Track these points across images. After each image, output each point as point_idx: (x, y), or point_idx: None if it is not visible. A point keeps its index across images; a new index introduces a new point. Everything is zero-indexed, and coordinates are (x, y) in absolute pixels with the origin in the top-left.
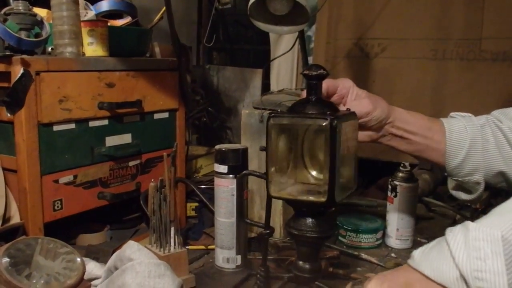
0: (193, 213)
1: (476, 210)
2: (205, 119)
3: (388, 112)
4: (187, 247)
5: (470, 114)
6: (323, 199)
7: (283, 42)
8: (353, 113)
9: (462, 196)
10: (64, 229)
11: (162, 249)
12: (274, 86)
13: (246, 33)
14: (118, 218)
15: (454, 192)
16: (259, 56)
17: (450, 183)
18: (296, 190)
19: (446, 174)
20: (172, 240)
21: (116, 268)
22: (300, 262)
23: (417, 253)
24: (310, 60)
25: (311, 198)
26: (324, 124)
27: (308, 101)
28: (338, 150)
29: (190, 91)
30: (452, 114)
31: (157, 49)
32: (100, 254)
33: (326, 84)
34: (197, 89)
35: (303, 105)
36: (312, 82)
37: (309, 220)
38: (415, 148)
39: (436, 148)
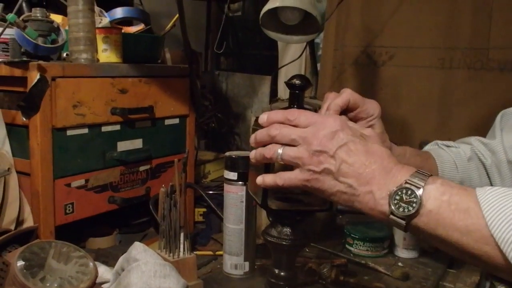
0: (200, 219)
1: None
2: (214, 124)
3: None
4: (195, 252)
5: (456, 145)
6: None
7: (291, 49)
8: None
9: None
10: (74, 232)
11: (171, 254)
12: (281, 93)
13: (254, 38)
14: (127, 222)
15: None
16: (267, 62)
17: None
18: None
19: None
20: (181, 246)
21: (123, 270)
22: (276, 270)
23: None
24: (318, 67)
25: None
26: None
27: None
28: None
29: (200, 97)
30: (438, 143)
31: (168, 55)
32: (109, 258)
33: (349, 97)
34: (206, 95)
35: None
36: (295, 92)
37: (286, 228)
38: None
39: None
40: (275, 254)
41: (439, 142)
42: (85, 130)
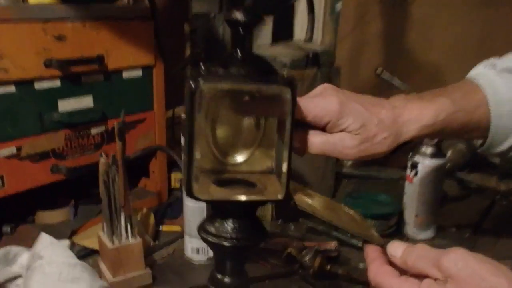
0: (177, 185)
1: None
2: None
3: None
4: (160, 228)
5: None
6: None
7: None
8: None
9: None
10: (19, 205)
11: (113, 239)
12: (298, 33)
13: None
14: (88, 192)
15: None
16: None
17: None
18: None
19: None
20: (123, 230)
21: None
22: (219, 275)
23: None
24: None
25: None
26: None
27: (231, 58)
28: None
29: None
30: (482, 69)
31: None
32: (55, 236)
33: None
34: (196, 40)
35: (225, 63)
36: (238, 31)
37: (228, 223)
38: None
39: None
40: (216, 256)
41: (487, 62)
42: (12, 89)
